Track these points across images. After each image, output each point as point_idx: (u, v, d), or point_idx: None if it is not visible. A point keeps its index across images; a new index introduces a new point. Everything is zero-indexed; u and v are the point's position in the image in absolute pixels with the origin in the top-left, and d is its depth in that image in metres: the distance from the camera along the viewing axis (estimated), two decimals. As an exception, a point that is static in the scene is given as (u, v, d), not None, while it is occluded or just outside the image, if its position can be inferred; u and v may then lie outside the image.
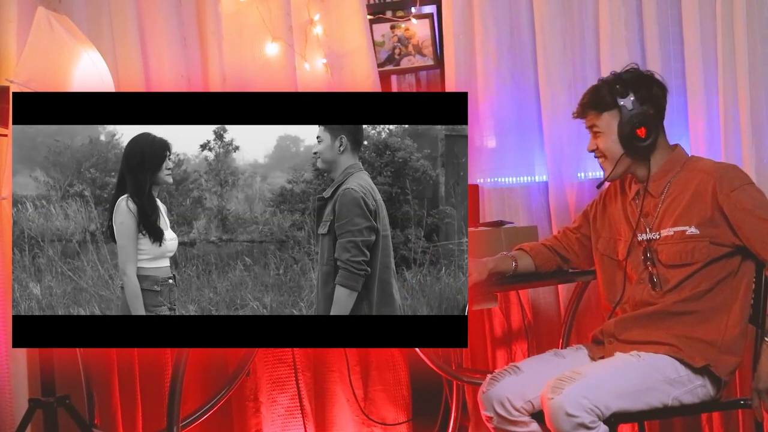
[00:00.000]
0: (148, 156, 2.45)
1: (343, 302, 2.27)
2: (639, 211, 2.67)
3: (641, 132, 2.59)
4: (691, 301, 2.56)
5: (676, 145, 2.70)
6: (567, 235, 2.88)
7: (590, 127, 2.68)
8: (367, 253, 2.27)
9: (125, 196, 2.44)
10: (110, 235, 2.48)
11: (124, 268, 2.42)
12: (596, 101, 2.65)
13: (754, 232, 2.51)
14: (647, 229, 2.65)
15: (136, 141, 2.46)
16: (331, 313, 2.29)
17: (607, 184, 2.77)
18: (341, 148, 2.37)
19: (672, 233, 2.59)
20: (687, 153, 2.70)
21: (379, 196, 2.38)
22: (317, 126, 2.41)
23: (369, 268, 2.28)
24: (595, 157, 2.71)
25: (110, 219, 2.47)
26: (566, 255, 2.87)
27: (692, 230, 2.56)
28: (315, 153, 2.42)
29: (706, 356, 2.52)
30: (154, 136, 2.48)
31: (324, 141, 2.39)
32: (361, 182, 2.33)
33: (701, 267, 2.55)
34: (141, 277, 2.43)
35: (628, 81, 2.63)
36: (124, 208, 2.42)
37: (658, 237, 2.62)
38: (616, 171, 2.66)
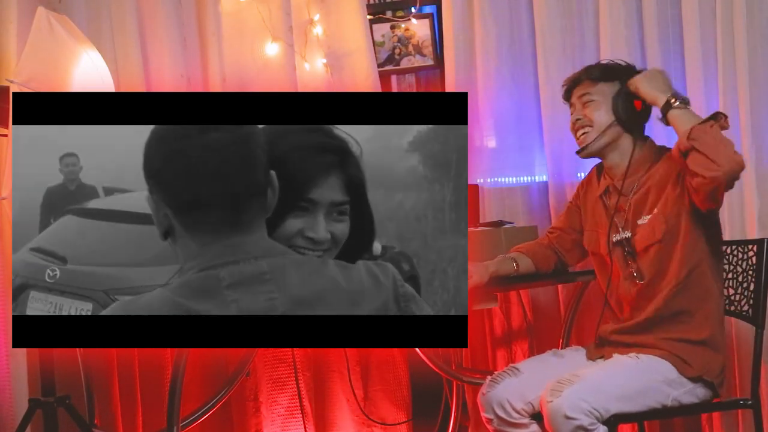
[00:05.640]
0: None
1: None
2: (612, 212, 2.64)
3: (638, 104, 2.58)
4: (675, 296, 2.53)
5: (647, 137, 2.67)
6: (549, 237, 2.88)
7: (580, 97, 2.65)
8: None
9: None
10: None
11: None
12: (597, 71, 2.65)
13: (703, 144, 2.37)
14: (620, 229, 2.63)
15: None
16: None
17: (592, 174, 2.74)
18: None
19: (645, 222, 2.58)
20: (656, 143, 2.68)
21: None
22: None
23: None
24: (578, 129, 2.66)
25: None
26: (562, 255, 2.87)
27: (654, 212, 2.55)
28: None
29: (698, 363, 2.50)
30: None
31: None
32: None
33: (662, 240, 2.52)
34: None
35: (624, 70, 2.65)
36: None
37: (630, 235, 2.60)
38: (601, 140, 2.61)
